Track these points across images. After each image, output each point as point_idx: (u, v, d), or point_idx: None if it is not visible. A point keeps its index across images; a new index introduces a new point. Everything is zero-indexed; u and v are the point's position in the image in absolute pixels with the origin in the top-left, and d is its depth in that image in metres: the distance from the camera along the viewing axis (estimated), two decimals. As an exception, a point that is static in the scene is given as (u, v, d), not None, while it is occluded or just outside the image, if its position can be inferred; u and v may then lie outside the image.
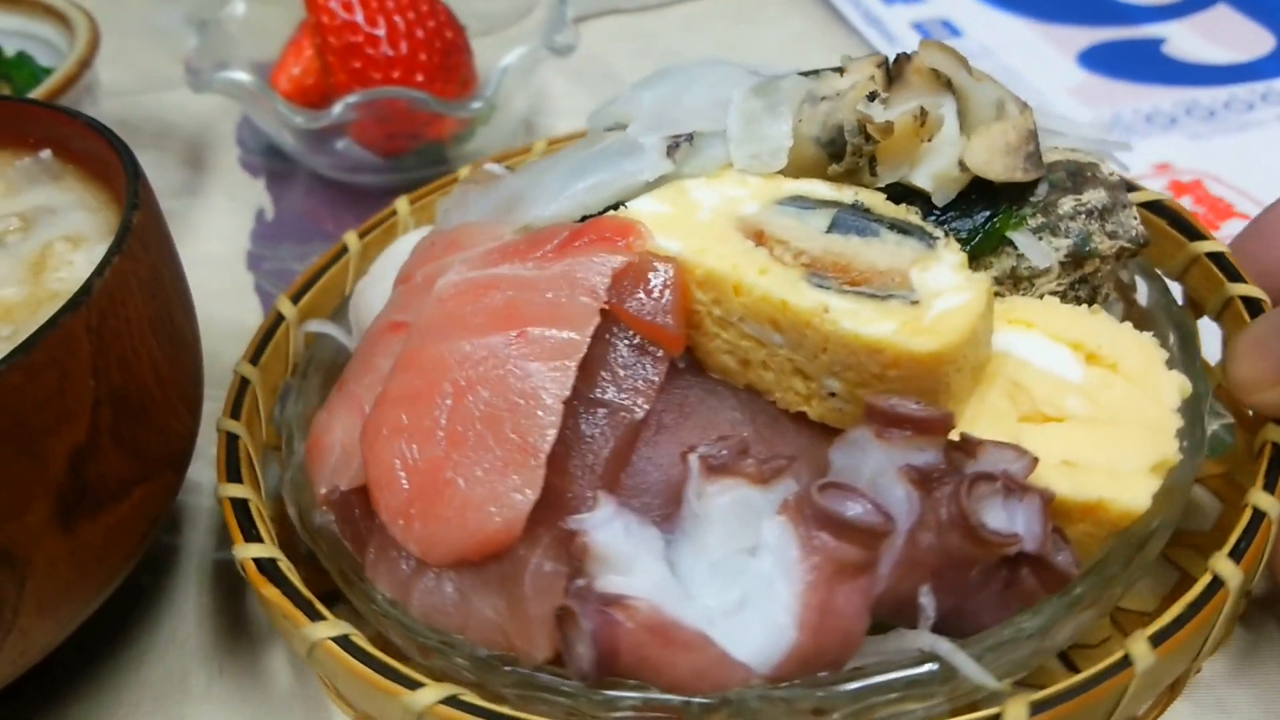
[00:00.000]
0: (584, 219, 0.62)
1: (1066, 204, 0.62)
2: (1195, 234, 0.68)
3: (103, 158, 0.65)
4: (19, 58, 1.01)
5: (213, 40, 1.02)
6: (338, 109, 0.92)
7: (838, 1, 1.28)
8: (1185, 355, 0.62)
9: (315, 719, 0.63)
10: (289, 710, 0.64)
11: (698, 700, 0.48)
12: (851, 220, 0.59)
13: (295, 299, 0.74)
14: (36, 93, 0.91)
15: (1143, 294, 0.67)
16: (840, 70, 0.63)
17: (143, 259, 0.57)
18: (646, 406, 0.55)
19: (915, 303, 0.55)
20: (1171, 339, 0.63)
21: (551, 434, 0.53)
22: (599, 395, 0.55)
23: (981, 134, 0.61)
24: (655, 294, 0.56)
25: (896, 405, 0.51)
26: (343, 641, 0.53)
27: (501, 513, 0.52)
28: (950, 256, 0.57)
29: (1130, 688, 0.48)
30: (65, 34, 1.01)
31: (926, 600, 0.50)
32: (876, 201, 0.60)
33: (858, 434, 0.52)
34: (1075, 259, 0.62)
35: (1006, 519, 0.50)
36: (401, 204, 0.81)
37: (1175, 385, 0.57)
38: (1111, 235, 0.62)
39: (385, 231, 0.80)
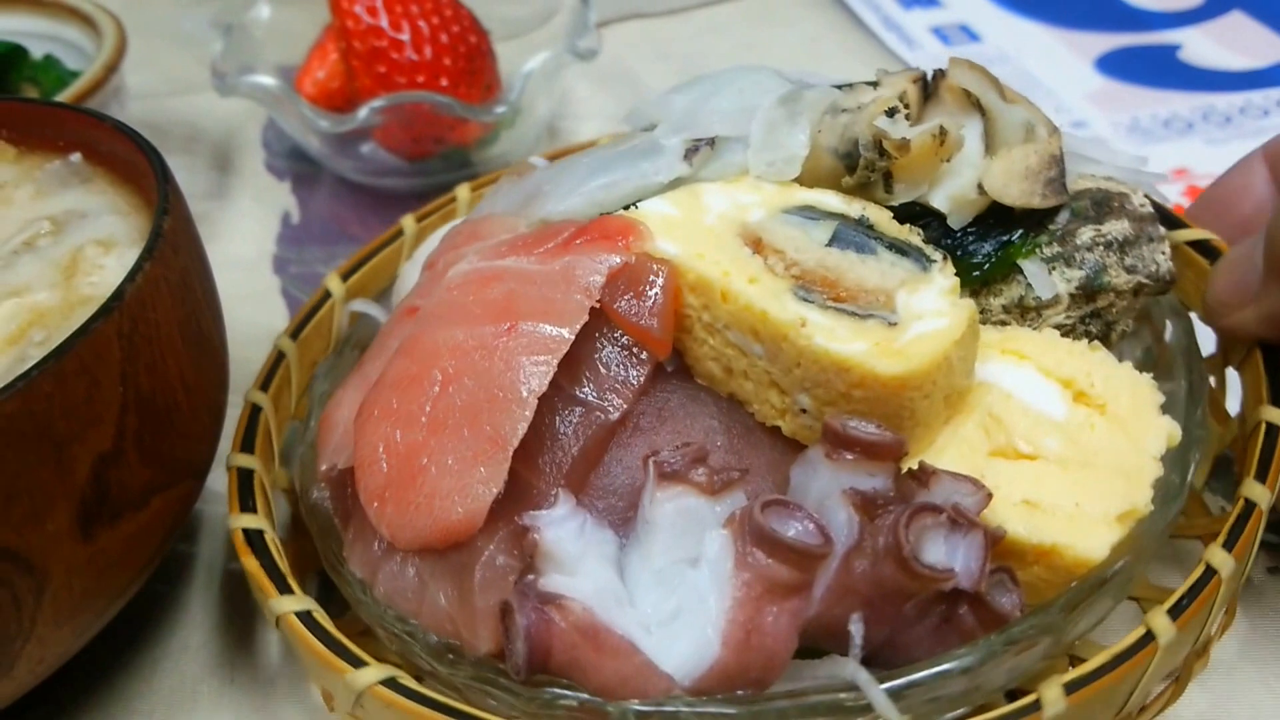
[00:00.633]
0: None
1: (1085, 234, 0.61)
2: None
3: (133, 161, 0.65)
4: (46, 61, 1.02)
5: (238, 44, 1.02)
6: (363, 113, 0.93)
7: (857, 6, 1.28)
8: (1190, 402, 0.60)
9: None
10: (296, 718, 0.64)
11: (632, 708, 0.48)
12: (852, 235, 0.58)
13: (345, 277, 0.75)
14: (64, 96, 0.91)
15: (1171, 332, 0.65)
16: (875, 84, 0.63)
17: (173, 264, 0.58)
18: (622, 407, 0.55)
19: (893, 324, 0.54)
20: (1182, 384, 0.61)
21: (522, 428, 0.53)
22: (578, 393, 0.55)
23: (1002, 157, 0.60)
24: (645, 296, 0.56)
25: (849, 426, 0.51)
26: (304, 617, 0.54)
27: (464, 504, 0.53)
28: (941, 281, 0.57)
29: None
30: (92, 37, 1.02)
31: (856, 628, 0.49)
32: (883, 219, 0.60)
33: (813, 453, 0.52)
34: (1087, 292, 0.60)
35: (946, 554, 0.49)
36: (463, 190, 0.82)
37: (1164, 432, 0.56)
38: (1130, 269, 0.61)
39: (442, 217, 0.80)
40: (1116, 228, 0.61)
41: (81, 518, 0.53)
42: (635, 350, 0.56)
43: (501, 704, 0.51)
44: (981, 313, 0.61)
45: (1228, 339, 0.64)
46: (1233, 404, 0.64)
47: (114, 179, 0.68)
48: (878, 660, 0.50)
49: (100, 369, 0.52)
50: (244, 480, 0.62)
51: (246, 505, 0.61)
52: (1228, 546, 0.52)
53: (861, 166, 0.60)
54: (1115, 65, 1.14)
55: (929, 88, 0.62)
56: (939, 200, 0.61)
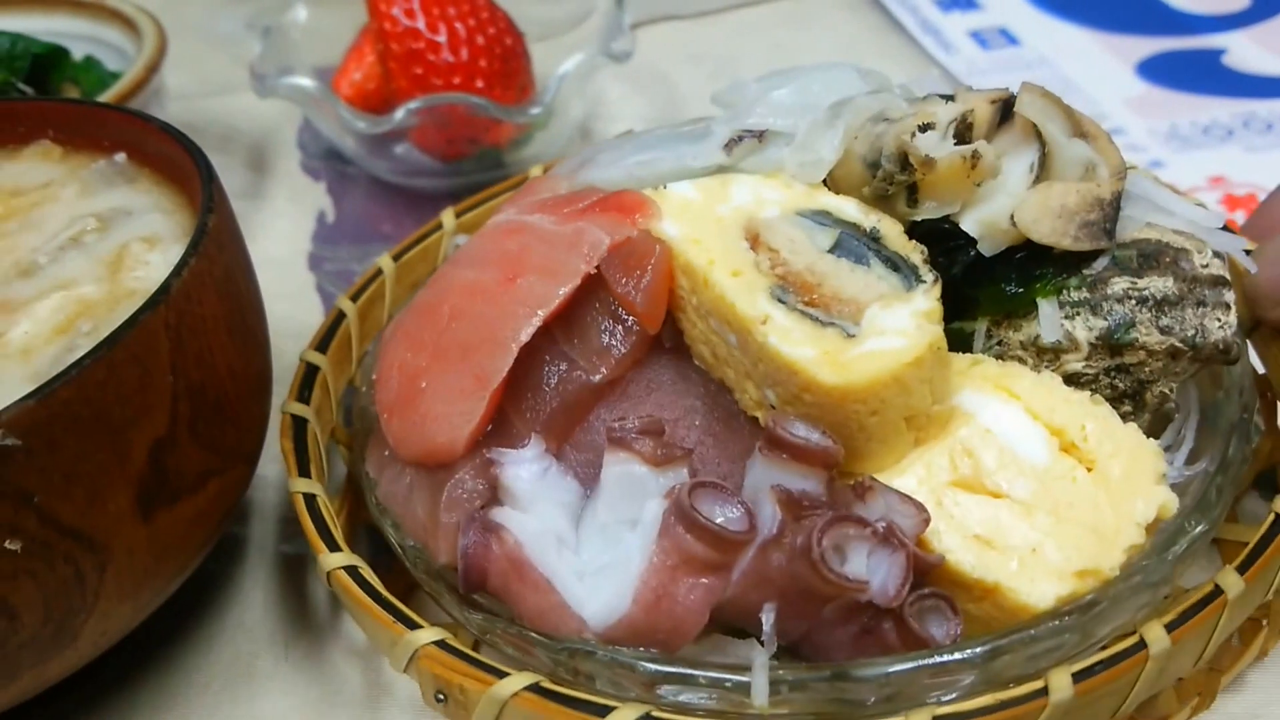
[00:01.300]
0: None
1: (1119, 284, 0.58)
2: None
3: (177, 161, 0.67)
4: (86, 61, 1.04)
5: (276, 46, 1.03)
6: (400, 114, 0.94)
7: (894, 8, 1.27)
8: (1212, 482, 0.57)
9: (377, 701, 0.65)
10: (352, 693, 0.66)
11: (559, 643, 0.53)
12: (853, 245, 0.59)
13: (396, 258, 0.77)
14: (107, 96, 0.93)
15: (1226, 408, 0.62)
16: (951, 98, 0.62)
17: (217, 260, 0.59)
18: (604, 371, 0.58)
19: (851, 336, 0.55)
20: (1211, 461, 0.59)
21: (502, 371, 0.58)
22: (568, 350, 0.59)
23: (1040, 190, 0.59)
24: (638, 272, 0.59)
25: (784, 427, 0.53)
26: (351, 572, 0.57)
27: (446, 431, 0.58)
28: (919, 302, 0.56)
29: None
30: (132, 39, 1.03)
31: (767, 616, 0.51)
32: (893, 233, 0.59)
33: (756, 446, 0.54)
34: (1109, 344, 0.58)
35: (865, 566, 0.50)
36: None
37: (1156, 501, 0.54)
38: (1164, 330, 0.58)
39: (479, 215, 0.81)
40: (1158, 284, 0.58)
41: (141, 500, 0.55)
42: (626, 320, 0.59)
43: (445, 611, 0.58)
44: (999, 344, 0.60)
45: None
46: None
47: (158, 178, 0.69)
48: (801, 653, 0.53)
49: (150, 359, 0.54)
50: (299, 434, 0.65)
51: (304, 470, 0.63)
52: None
53: (879, 178, 0.60)
54: (1157, 70, 1.13)
55: (1008, 110, 0.61)
56: (969, 224, 0.60)
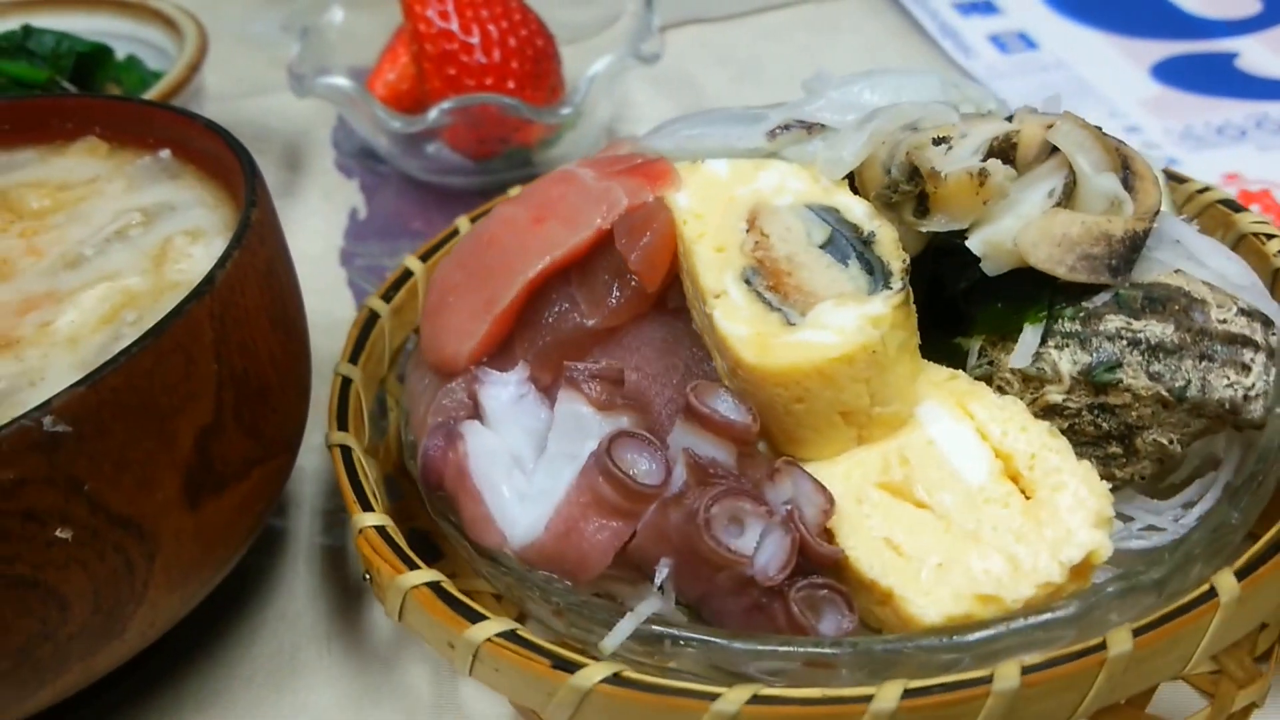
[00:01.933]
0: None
1: (1114, 322, 0.57)
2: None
3: (220, 158, 0.69)
4: (129, 61, 1.06)
5: (313, 47, 1.06)
6: (433, 114, 0.96)
7: (916, 12, 1.29)
8: (1181, 543, 0.54)
9: (416, 691, 0.66)
10: (394, 683, 0.67)
11: (481, 551, 0.58)
12: (841, 244, 0.60)
13: (424, 258, 0.79)
14: (150, 94, 0.95)
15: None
16: (1009, 118, 0.62)
17: (260, 253, 0.61)
18: (597, 318, 0.62)
19: (792, 324, 0.57)
20: (1196, 516, 0.57)
21: (505, 301, 0.63)
22: (574, 293, 0.63)
23: (1046, 216, 0.58)
24: (641, 234, 0.61)
25: (701, 395, 0.55)
26: (381, 531, 0.60)
27: (454, 344, 0.65)
28: (874, 307, 0.56)
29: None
30: (173, 39, 1.06)
31: (661, 568, 0.54)
32: (888, 239, 0.60)
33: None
34: (1091, 380, 0.57)
35: (752, 543, 0.52)
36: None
37: (1087, 546, 0.52)
38: (1154, 376, 0.56)
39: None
40: (1155, 329, 0.57)
41: (189, 487, 0.56)
42: (628, 276, 0.62)
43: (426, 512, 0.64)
44: (989, 364, 0.60)
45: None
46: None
47: (202, 174, 0.71)
48: (703, 617, 0.56)
49: (195, 348, 0.55)
50: (343, 392, 0.69)
51: (343, 424, 0.67)
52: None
53: (884, 185, 0.61)
54: (1171, 72, 1.15)
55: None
56: (974, 242, 0.59)
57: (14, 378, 0.58)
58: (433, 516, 0.63)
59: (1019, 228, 0.58)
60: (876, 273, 0.59)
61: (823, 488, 0.55)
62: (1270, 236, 0.67)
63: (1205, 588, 0.50)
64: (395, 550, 0.58)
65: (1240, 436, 0.60)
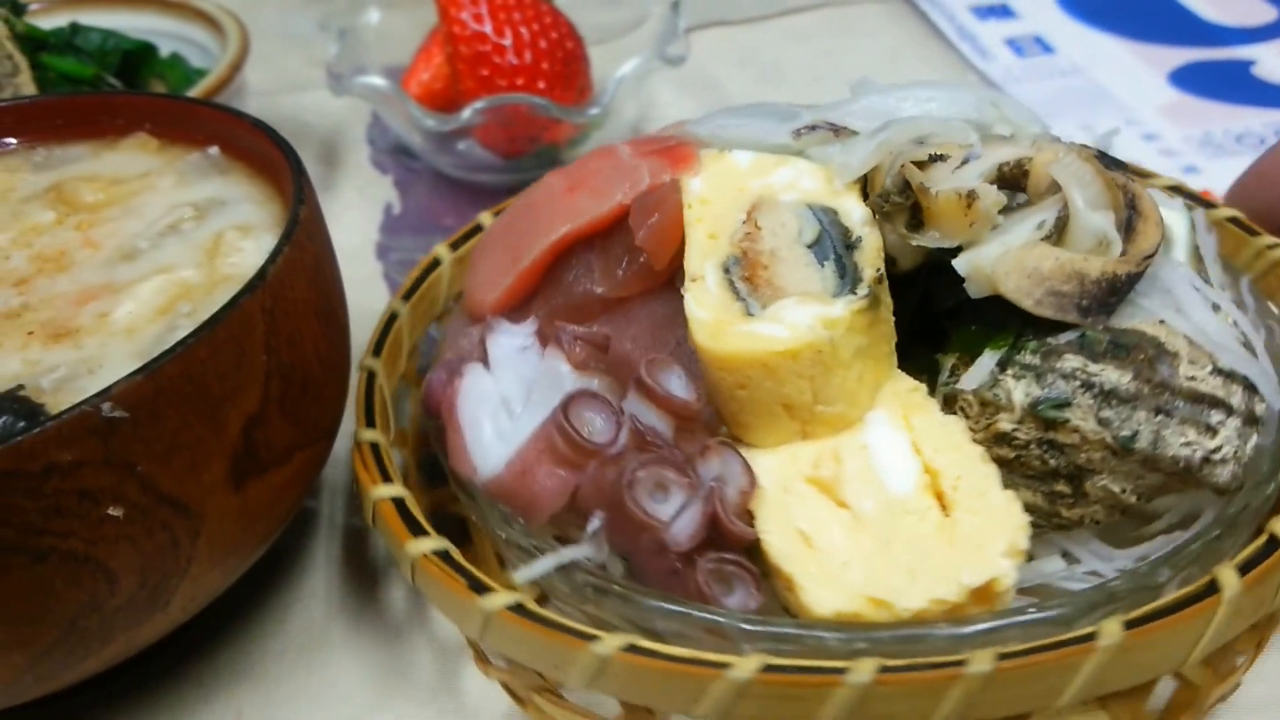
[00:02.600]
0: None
1: (1071, 361, 0.56)
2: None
3: (267, 155, 0.72)
4: (173, 59, 1.10)
5: (351, 47, 1.09)
6: (467, 113, 0.99)
7: (934, 16, 1.31)
8: (1103, 586, 0.53)
9: (445, 669, 0.69)
10: (422, 661, 0.69)
11: (457, 477, 0.63)
12: (827, 245, 0.61)
13: (454, 247, 0.80)
14: (195, 92, 0.98)
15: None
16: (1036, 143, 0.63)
17: (308, 249, 0.64)
18: (605, 286, 0.66)
19: (751, 315, 0.59)
20: (1118, 571, 0.56)
21: (526, 261, 0.68)
22: (590, 258, 0.67)
23: (1024, 247, 0.58)
24: (652, 213, 0.64)
25: (650, 369, 0.58)
26: (398, 503, 0.62)
27: (481, 293, 0.70)
28: (834, 309, 0.57)
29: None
30: (216, 37, 1.09)
31: (593, 522, 0.57)
32: (872, 246, 0.61)
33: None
34: (1036, 415, 0.56)
35: (672, 510, 0.55)
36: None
37: (989, 572, 0.52)
38: (1102, 422, 0.55)
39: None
40: (1111, 375, 0.56)
41: (233, 471, 0.58)
42: (638, 251, 0.64)
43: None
44: (957, 383, 0.59)
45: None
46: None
47: (250, 171, 0.74)
48: (632, 574, 0.58)
49: (247, 339, 0.58)
50: (369, 385, 0.70)
51: (370, 421, 0.68)
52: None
53: (877, 194, 0.62)
54: (1188, 79, 1.16)
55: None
56: (960, 263, 0.60)
57: (73, 365, 0.60)
58: (430, 443, 0.68)
59: (998, 254, 0.58)
60: (848, 277, 0.59)
61: (749, 470, 0.57)
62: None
63: (1090, 630, 0.50)
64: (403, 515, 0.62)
65: (1222, 500, 0.58)
